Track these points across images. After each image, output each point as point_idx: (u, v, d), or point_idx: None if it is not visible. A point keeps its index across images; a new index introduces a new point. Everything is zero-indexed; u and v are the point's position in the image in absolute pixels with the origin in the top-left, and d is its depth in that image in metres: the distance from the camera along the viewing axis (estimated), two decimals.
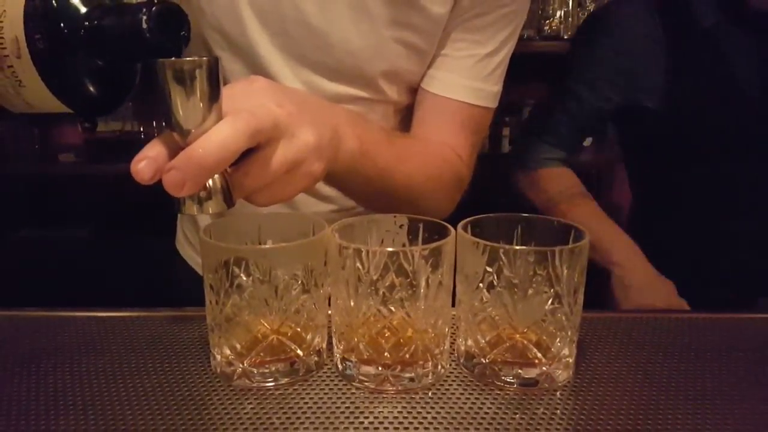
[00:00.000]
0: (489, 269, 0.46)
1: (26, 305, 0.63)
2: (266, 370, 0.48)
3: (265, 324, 0.47)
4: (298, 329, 0.48)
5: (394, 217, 0.52)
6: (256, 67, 0.68)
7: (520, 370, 0.47)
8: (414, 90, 0.75)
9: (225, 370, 0.48)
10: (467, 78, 0.71)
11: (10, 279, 1.85)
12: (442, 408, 0.45)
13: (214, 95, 0.41)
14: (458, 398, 0.46)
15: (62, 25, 0.43)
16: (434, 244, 0.45)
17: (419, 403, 0.46)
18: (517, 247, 0.46)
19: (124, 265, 2.04)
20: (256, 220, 0.52)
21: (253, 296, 0.46)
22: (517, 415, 0.44)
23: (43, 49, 0.43)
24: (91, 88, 0.46)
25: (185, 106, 0.41)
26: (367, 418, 0.44)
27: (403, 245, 0.51)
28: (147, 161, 0.41)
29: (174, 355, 0.53)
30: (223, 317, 0.47)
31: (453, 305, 0.49)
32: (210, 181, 0.43)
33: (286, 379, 0.48)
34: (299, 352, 0.48)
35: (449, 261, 0.47)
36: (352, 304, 0.46)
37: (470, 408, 0.45)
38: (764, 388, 0.49)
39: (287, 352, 0.48)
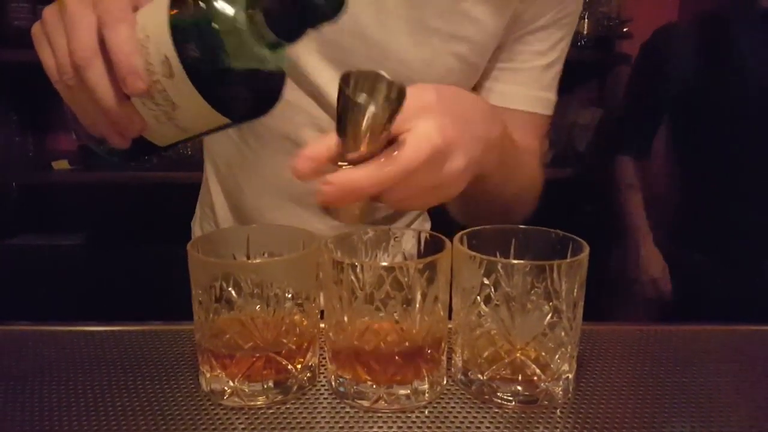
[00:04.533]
0: (486, 283, 0.45)
1: (20, 314, 0.61)
2: (257, 388, 0.46)
3: (256, 340, 0.45)
4: (291, 345, 0.46)
5: (389, 229, 0.51)
6: (300, 77, 0.67)
7: (518, 387, 0.46)
8: None
9: (215, 389, 0.47)
10: (533, 88, 0.72)
11: (4, 287, 1.84)
12: (438, 427, 0.44)
13: (391, 121, 0.41)
14: (455, 417, 0.45)
15: (215, 25, 0.41)
16: (430, 258, 0.44)
17: (415, 422, 0.44)
18: (515, 261, 0.45)
19: (118, 273, 2.02)
20: (245, 233, 0.51)
21: (243, 312, 0.45)
22: None
23: (198, 58, 0.41)
24: (249, 91, 0.44)
25: (364, 124, 0.40)
26: None
27: (399, 259, 0.50)
28: (305, 160, 0.43)
29: (164, 372, 0.51)
30: (213, 333, 0.46)
31: (450, 319, 0.48)
32: None
33: (277, 397, 0.47)
34: (291, 368, 0.47)
35: (445, 275, 0.46)
36: (345, 319, 0.45)
37: (467, 427, 0.44)
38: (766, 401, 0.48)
39: (279, 369, 0.46)
